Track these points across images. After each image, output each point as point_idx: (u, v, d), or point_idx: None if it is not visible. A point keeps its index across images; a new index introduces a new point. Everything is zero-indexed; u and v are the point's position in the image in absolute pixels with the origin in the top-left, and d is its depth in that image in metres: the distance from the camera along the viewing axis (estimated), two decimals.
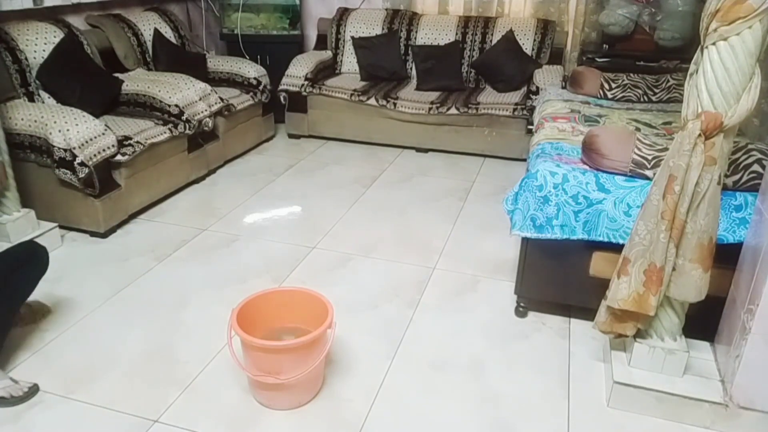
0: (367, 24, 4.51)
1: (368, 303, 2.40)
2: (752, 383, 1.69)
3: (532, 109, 3.58)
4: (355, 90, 4.15)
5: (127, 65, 3.69)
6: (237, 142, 4.01)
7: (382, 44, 4.41)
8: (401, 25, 4.46)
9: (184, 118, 3.31)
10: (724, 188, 1.76)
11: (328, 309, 1.83)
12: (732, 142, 1.66)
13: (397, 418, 1.81)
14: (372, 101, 4.10)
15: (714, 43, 1.49)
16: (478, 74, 4.35)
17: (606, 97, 3.04)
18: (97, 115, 2.98)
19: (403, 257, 2.76)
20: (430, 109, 3.97)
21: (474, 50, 4.33)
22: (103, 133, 2.81)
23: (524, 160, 3.33)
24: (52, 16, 3.39)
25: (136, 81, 3.47)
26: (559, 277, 2.18)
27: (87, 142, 2.72)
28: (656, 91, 3.02)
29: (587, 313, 2.10)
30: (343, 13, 4.60)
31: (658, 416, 1.81)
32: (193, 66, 3.95)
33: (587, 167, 2.05)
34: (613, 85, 3.06)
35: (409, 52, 4.44)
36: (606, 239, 1.98)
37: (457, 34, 4.34)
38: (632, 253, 1.71)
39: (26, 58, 3.05)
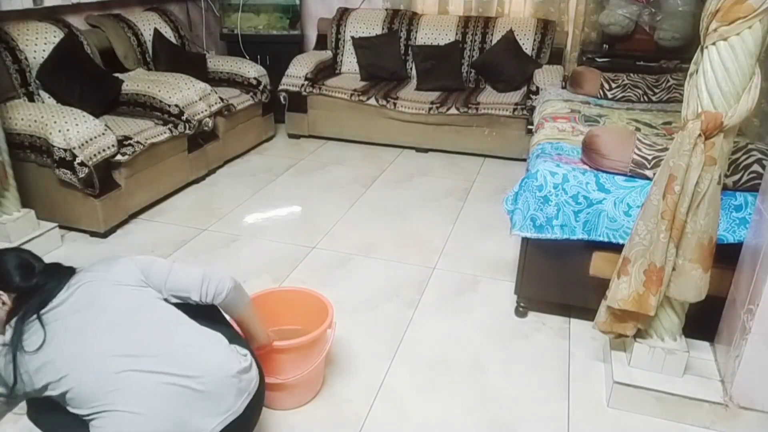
0: (367, 24, 4.51)
1: (368, 303, 2.40)
2: (752, 383, 1.69)
3: (532, 109, 3.58)
4: (355, 90, 4.15)
5: (127, 65, 3.69)
6: (237, 142, 4.01)
7: (382, 44, 4.41)
8: (401, 25, 4.45)
9: (184, 118, 3.31)
10: (724, 188, 1.75)
11: (328, 309, 1.83)
12: (732, 142, 1.66)
13: (397, 418, 1.81)
14: (372, 101, 4.10)
15: (714, 43, 1.49)
16: (478, 74, 4.35)
17: (606, 97, 3.04)
18: (97, 115, 2.98)
19: (403, 257, 2.76)
20: (430, 109, 3.97)
21: (474, 50, 4.33)
22: (103, 133, 2.81)
23: (524, 160, 3.33)
24: (52, 16, 3.39)
25: (136, 81, 3.47)
26: (559, 277, 2.18)
27: (87, 142, 2.72)
28: (656, 91, 3.01)
29: (587, 313, 2.10)
30: (343, 13, 4.60)
31: (658, 416, 1.81)
32: (193, 66, 3.94)
33: (587, 167, 2.05)
34: (613, 85, 3.05)
35: (409, 52, 4.44)
36: (606, 239, 1.98)
37: (457, 34, 4.34)
38: (632, 253, 1.71)
39: (26, 58, 3.05)
